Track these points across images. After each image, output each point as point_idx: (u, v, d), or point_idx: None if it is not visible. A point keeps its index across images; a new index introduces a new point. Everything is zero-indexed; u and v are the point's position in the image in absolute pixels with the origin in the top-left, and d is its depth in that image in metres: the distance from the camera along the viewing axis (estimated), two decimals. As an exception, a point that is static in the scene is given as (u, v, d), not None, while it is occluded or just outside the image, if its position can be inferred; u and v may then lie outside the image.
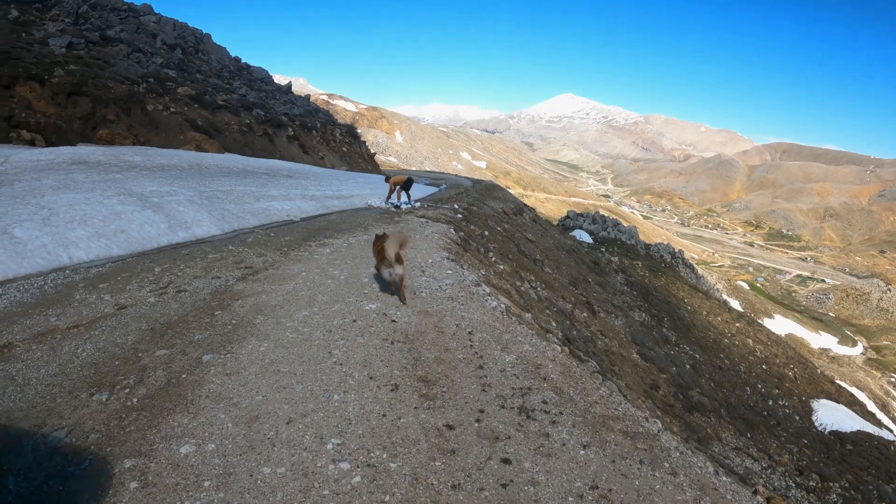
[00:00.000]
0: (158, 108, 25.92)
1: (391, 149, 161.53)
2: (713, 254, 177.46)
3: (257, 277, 8.45)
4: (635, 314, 27.09)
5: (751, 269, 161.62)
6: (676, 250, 56.82)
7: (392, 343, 6.06)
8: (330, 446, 4.02)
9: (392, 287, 7.75)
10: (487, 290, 9.08)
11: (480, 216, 21.38)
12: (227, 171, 19.50)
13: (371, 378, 5.18)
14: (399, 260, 7.27)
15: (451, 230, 14.46)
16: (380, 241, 7.52)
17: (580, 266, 29.20)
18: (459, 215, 18.93)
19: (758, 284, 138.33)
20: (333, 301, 7.36)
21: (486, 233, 18.03)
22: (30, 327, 6.12)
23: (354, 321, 6.62)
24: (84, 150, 16.50)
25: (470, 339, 6.47)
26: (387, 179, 20.14)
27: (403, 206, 19.38)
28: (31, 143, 17.96)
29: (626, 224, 61.55)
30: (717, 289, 72.31)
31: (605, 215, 61.73)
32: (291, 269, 9.09)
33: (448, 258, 10.55)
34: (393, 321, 6.75)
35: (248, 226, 13.55)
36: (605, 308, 22.07)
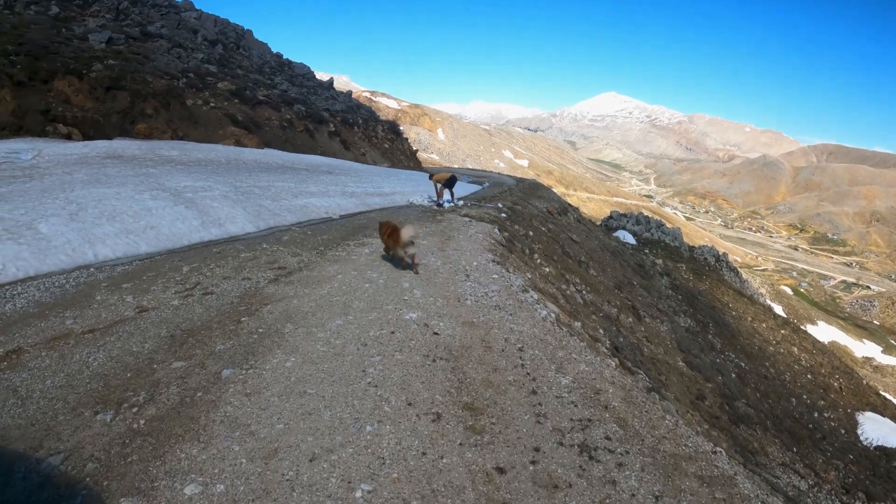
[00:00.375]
0: (198, 103, 25.87)
1: (433, 146, 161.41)
2: (756, 257, 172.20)
3: (290, 279, 7.96)
4: (680, 319, 26.18)
5: (794, 273, 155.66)
6: (721, 253, 55.73)
7: (434, 361, 5.43)
8: (359, 493, 3.39)
9: (404, 263, 8.89)
10: (535, 296, 8.44)
11: (524, 216, 20.80)
12: (265, 167, 19.20)
13: (410, 404, 4.55)
14: (413, 243, 8.64)
15: (496, 230, 13.90)
16: (386, 226, 9.13)
17: (625, 268, 28.38)
18: (503, 214, 18.42)
19: (801, 289, 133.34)
20: (370, 308, 6.79)
21: (531, 233, 17.56)
22: (43, 330, 5.74)
23: (392, 333, 6.02)
24: (119, 144, 16.37)
25: (521, 357, 5.80)
26: (431, 177, 19.65)
27: (446, 205, 18.86)
28: (68, 137, 17.95)
29: (669, 225, 60.93)
30: (761, 293, 70.23)
31: (649, 216, 61.26)
32: (327, 270, 8.58)
33: (493, 261, 9.94)
34: (435, 333, 6.13)
35: (285, 223, 13.14)
36: (650, 312, 21.40)
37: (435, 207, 18.38)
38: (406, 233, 8.59)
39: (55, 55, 21.97)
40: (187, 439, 3.83)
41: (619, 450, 4.31)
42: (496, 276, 8.85)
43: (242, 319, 6.19)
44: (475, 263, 9.55)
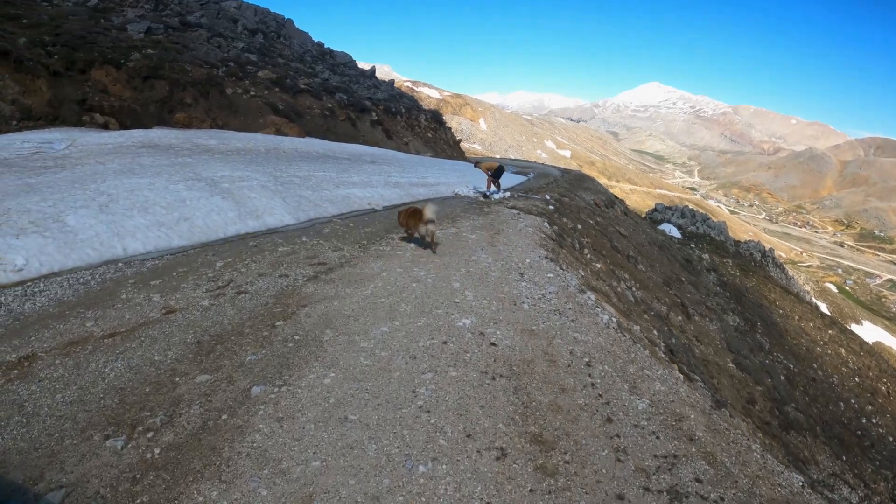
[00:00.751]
0: (238, 92, 25.61)
1: (475, 136, 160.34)
2: (801, 253, 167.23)
3: (331, 277, 7.41)
4: (729, 318, 25.24)
5: (839, 270, 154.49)
6: (767, 248, 54.77)
7: (493, 378, 4.75)
8: (412, 564, 2.75)
9: (424, 242, 9.50)
10: (593, 297, 7.78)
11: (572, 208, 20.19)
12: (305, 156, 18.73)
13: (469, 436, 3.87)
14: (434, 220, 9.13)
15: (545, 224, 13.36)
16: (404, 212, 9.79)
17: (672, 263, 27.48)
18: (551, 206, 17.84)
19: (846, 287, 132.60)
20: (419, 312, 6.16)
21: (579, 226, 16.94)
22: (61, 333, 5.32)
23: (445, 343, 5.37)
24: (156, 134, 16.08)
25: (589, 374, 5.08)
26: (476, 165, 19.02)
27: (495, 196, 18.25)
28: (105, 127, 17.81)
29: (715, 219, 60.17)
30: (806, 291, 68.57)
31: (695, 209, 60.67)
32: (370, 267, 8.01)
33: (546, 257, 9.29)
34: (492, 344, 5.45)
35: (326, 215, 12.61)
36: (699, 311, 20.60)
37: (482, 199, 17.77)
38: (429, 211, 9.09)
39: (93, 45, 21.88)
40: (207, 477, 3.26)
41: (712, 496, 3.59)
42: (551, 276, 8.19)
43: (277, 324, 5.64)
44: (528, 260, 8.90)
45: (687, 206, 64.34)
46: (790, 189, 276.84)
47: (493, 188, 18.69)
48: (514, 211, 14.68)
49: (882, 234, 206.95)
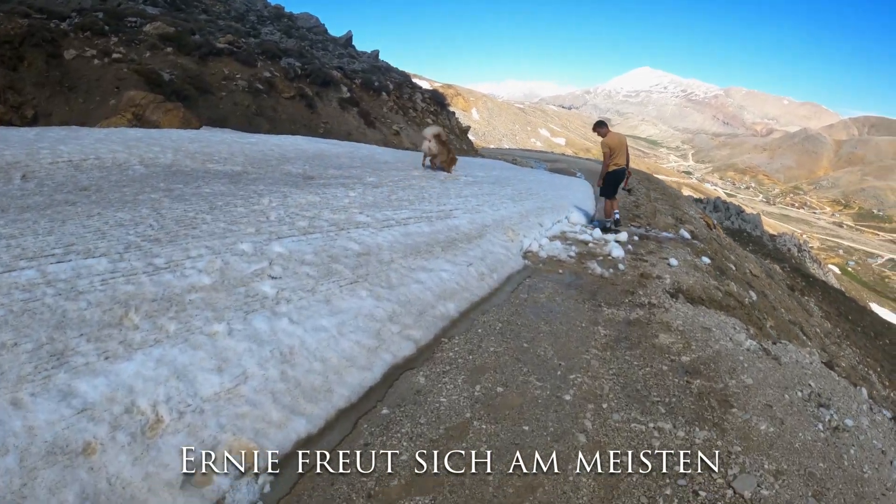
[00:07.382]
0: (87, 55, 14.89)
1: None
2: (801, 234, 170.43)
3: None
4: (873, 376, 20.09)
5: (840, 251, 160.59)
6: (801, 242, 54.14)
7: None
8: None
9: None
10: None
11: (713, 246, 14.36)
12: (148, 175, 7.73)
13: None
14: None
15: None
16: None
17: (790, 298, 22.16)
18: (706, 259, 10.73)
19: (849, 269, 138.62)
20: None
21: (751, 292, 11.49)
22: None
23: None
24: None
25: None
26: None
27: (613, 244, 8.53)
28: None
29: (749, 212, 60.16)
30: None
31: (728, 202, 60.38)
32: None
33: None
34: None
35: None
36: (863, 375, 16.92)
37: (611, 269, 8.36)
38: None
39: None
40: None
41: None
42: None
43: None
44: None
45: (719, 198, 64.01)
46: (786, 170, 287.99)
47: (608, 230, 8.77)
48: (702, 311, 6.50)
49: (881, 213, 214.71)
